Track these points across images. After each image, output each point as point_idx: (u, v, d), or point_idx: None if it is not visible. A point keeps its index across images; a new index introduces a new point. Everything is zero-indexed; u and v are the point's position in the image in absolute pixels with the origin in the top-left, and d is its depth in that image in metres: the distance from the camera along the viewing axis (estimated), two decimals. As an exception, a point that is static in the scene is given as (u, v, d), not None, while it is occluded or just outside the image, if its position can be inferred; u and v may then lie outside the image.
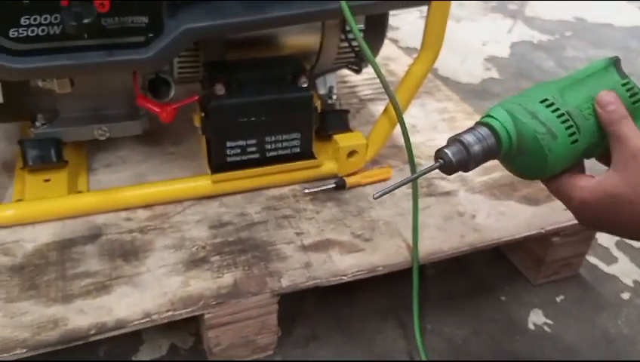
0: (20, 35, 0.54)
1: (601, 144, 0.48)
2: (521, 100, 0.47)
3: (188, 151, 0.82)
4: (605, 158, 0.48)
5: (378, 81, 0.67)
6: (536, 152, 0.46)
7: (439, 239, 0.71)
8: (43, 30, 0.55)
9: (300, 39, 0.77)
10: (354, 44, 0.80)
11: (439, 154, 0.46)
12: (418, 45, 0.74)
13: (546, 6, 1.87)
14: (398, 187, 0.46)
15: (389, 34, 1.54)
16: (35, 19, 0.54)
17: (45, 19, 0.54)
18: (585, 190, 0.46)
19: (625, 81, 0.49)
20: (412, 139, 0.71)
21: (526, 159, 0.47)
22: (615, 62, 0.50)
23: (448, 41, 0.74)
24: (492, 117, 0.46)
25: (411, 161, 0.70)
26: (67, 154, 0.74)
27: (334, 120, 0.82)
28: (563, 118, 0.46)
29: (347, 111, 0.85)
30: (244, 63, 0.72)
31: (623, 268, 0.86)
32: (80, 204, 0.69)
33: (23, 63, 0.55)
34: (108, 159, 0.80)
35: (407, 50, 1.35)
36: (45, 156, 0.70)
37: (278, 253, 0.67)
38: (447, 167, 0.46)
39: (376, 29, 0.80)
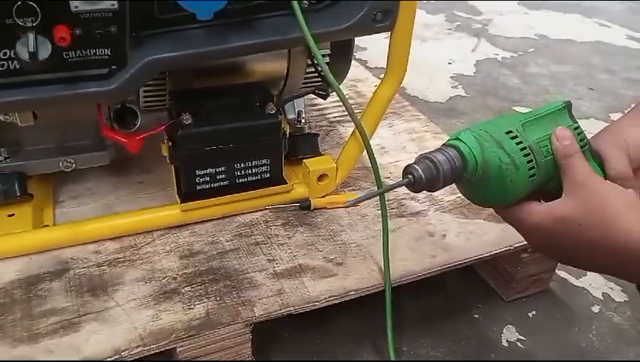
0: (-20, 70, 0.54)
1: (553, 182, 0.50)
2: (488, 128, 0.48)
3: (157, 179, 0.81)
4: (553, 197, 0.50)
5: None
6: (498, 181, 0.47)
7: (411, 260, 0.71)
8: (2, 65, 0.54)
9: (266, 65, 0.77)
10: (320, 69, 0.80)
11: (408, 170, 0.47)
12: (386, 65, 0.75)
13: (509, 24, 1.92)
14: (368, 198, 0.47)
15: (358, 54, 1.56)
16: (-7, 55, 0.54)
17: (4, 53, 0.54)
18: (536, 214, 0.49)
19: (576, 125, 0.52)
20: (381, 160, 0.72)
21: (487, 187, 0.48)
22: (568, 107, 0.53)
23: (415, 61, 0.76)
24: (461, 140, 0.47)
25: (378, 184, 0.70)
26: (32, 187, 0.73)
27: (304, 144, 0.83)
28: (525, 152, 0.47)
29: (316, 135, 0.85)
30: (211, 91, 0.72)
31: (591, 281, 0.88)
32: (46, 238, 0.68)
33: (-19, 99, 0.54)
34: (75, 191, 0.79)
35: (376, 70, 1.37)
36: (9, 191, 0.69)
37: (250, 282, 0.66)
38: (417, 183, 0.46)
39: (342, 54, 0.81)
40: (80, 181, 0.80)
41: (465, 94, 1.45)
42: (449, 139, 0.49)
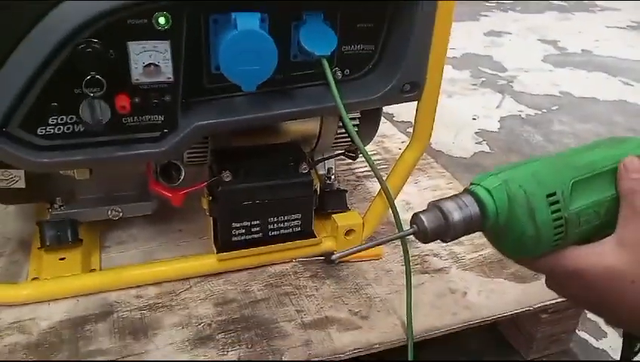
0: (47, 133, 0.60)
1: (577, 242, 0.46)
2: (530, 185, 0.43)
3: (195, 228, 0.87)
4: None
5: (376, 159, 0.73)
6: (514, 245, 0.45)
7: (433, 316, 0.75)
8: (68, 128, 0.61)
9: (300, 127, 0.83)
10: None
11: (414, 219, 0.43)
12: (412, 118, 0.79)
13: (534, 81, 1.97)
14: (360, 250, 0.44)
15: (384, 108, 1.62)
16: (61, 119, 0.60)
17: (71, 118, 0.61)
18: (580, 259, 0.43)
19: None
20: (405, 216, 0.75)
21: (503, 241, 0.46)
22: None
23: (440, 115, 0.79)
24: (489, 192, 0.43)
25: (405, 251, 0.74)
26: (82, 233, 0.79)
27: (333, 200, 0.88)
28: (558, 224, 0.43)
29: (345, 191, 0.90)
30: (249, 150, 0.78)
31: (612, 343, 0.89)
32: (93, 282, 0.73)
33: (48, 158, 0.60)
34: (119, 237, 0.85)
35: (402, 124, 1.43)
36: (62, 236, 0.75)
37: (279, 331, 0.70)
38: (422, 234, 0.43)
39: (371, 117, 0.87)
40: (124, 227, 0.86)
41: (489, 150, 1.49)
42: (475, 181, 0.45)
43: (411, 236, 0.44)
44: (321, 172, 0.92)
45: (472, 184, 0.46)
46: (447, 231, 0.43)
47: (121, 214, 0.79)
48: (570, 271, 0.44)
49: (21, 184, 0.70)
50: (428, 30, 0.70)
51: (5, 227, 0.85)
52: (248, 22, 0.61)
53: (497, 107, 1.76)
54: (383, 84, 0.73)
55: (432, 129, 0.79)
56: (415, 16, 0.69)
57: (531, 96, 1.86)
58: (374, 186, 1.03)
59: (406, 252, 0.73)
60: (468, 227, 0.43)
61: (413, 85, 0.74)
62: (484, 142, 1.53)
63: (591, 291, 0.43)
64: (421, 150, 0.80)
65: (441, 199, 0.44)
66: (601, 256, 0.42)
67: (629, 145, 0.49)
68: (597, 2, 3.15)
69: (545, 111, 1.76)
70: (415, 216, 0.43)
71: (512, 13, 2.91)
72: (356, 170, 1.09)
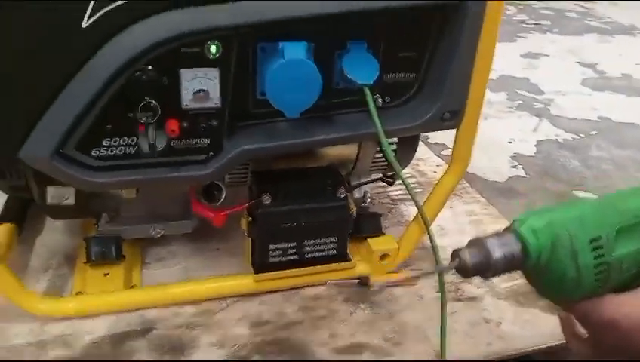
0: (101, 154, 0.63)
1: (617, 288, 0.46)
2: (574, 228, 0.43)
3: (232, 247, 0.88)
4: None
5: (410, 182, 0.73)
6: (554, 286, 0.46)
7: (466, 345, 0.74)
8: (120, 150, 0.63)
9: (339, 151, 0.84)
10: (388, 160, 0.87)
11: (456, 254, 0.44)
12: (447, 140, 0.80)
13: (572, 104, 1.95)
14: (400, 283, 0.44)
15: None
16: (115, 141, 0.63)
17: (124, 140, 0.63)
18: (616, 307, 0.42)
19: None
20: (440, 242, 0.76)
21: (542, 282, 0.47)
22: None
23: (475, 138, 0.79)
24: (534, 231, 0.43)
25: (441, 285, 0.74)
26: (124, 249, 0.81)
27: (368, 224, 0.88)
28: (600, 269, 0.44)
29: (380, 215, 0.91)
30: (288, 173, 0.80)
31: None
32: (134, 299, 0.76)
33: (101, 178, 0.63)
34: (159, 253, 0.87)
35: (437, 146, 1.43)
36: (107, 253, 0.77)
37: (313, 355, 0.71)
38: (463, 269, 0.43)
39: (409, 142, 0.87)
40: (164, 244, 0.88)
41: (524, 175, 1.48)
42: (521, 219, 0.45)
43: (445, 261, 0.44)
44: (357, 195, 0.93)
45: (515, 221, 0.46)
46: (487, 268, 0.44)
47: (162, 232, 0.81)
48: (605, 320, 0.44)
49: (71, 201, 0.73)
50: (469, 59, 0.71)
51: (52, 241, 0.88)
52: (295, 51, 0.63)
53: (534, 131, 1.75)
54: (424, 111, 0.74)
55: (470, 155, 0.79)
56: (457, 46, 0.70)
57: (569, 120, 1.84)
58: (409, 210, 1.04)
59: (442, 284, 0.73)
60: (509, 265, 0.44)
61: (454, 113, 0.75)
62: (520, 166, 1.52)
63: (624, 341, 0.43)
64: (459, 176, 0.81)
65: (484, 236, 0.45)
66: (637, 306, 0.42)
67: None
68: (637, 25, 3.10)
69: (582, 135, 1.73)
70: (457, 250, 0.44)
71: (550, 35, 2.88)
72: (391, 193, 1.10)
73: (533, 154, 1.60)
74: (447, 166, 0.81)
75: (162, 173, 0.65)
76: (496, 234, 0.45)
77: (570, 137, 1.72)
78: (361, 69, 0.68)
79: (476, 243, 0.44)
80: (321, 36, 0.66)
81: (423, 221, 0.76)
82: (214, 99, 0.63)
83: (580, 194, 1.38)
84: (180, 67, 0.61)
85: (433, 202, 0.81)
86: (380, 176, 0.85)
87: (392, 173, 0.89)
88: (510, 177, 1.46)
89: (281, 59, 0.62)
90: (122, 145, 0.63)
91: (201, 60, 0.61)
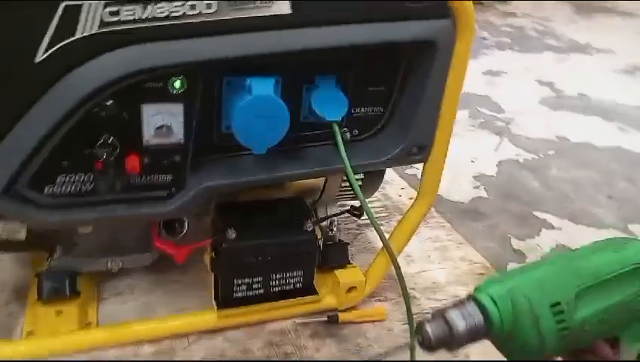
0: (55, 192, 0.59)
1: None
2: (533, 292, 0.44)
3: (193, 280, 0.85)
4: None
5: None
6: (520, 352, 0.45)
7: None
8: (76, 187, 0.60)
9: (306, 182, 0.83)
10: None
11: (419, 328, 0.44)
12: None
13: (531, 123, 1.99)
14: None
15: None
16: (70, 178, 0.59)
17: (80, 177, 0.60)
18: None
19: None
20: (406, 269, 0.76)
21: (511, 348, 0.47)
22: None
23: None
24: (492, 299, 0.44)
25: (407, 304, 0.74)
26: (79, 283, 0.77)
27: (335, 254, 0.87)
28: (563, 333, 0.44)
29: (347, 244, 0.90)
30: (253, 205, 0.78)
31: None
32: (89, 339, 0.72)
33: (54, 216, 0.60)
34: (117, 287, 0.83)
35: (402, 168, 1.43)
36: (60, 289, 0.73)
37: (279, 396, 0.69)
38: (427, 344, 0.43)
39: (376, 173, 0.87)
40: (122, 277, 0.85)
41: (487, 195, 1.50)
42: (479, 288, 0.46)
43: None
44: (323, 223, 0.92)
45: (476, 290, 0.46)
46: (452, 342, 0.44)
47: (120, 265, 0.77)
48: None
49: (22, 236, 0.69)
50: (439, 94, 0.71)
51: (1, 273, 0.83)
52: (263, 87, 0.61)
53: (495, 150, 1.77)
54: (392, 146, 0.73)
55: (437, 188, 0.79)
56: (427, 81, 0.69)
57: (528, 139, 1.87)
58: (375, 236, 1.03)
59: (410, 313, 0.72)
60: (473, 336, 0.44)
61: (421, 148, 0.74)
62: (482, 186, 1.54)
63: None
64: (426, 208, 0.80)
65: (446, 307, 0.45)
66: None
67: (631, 250, 0.49)
68: (592, 45, 3.21)
69: (542, 156, 1.77)
70: (420, 324, 0.44)
71: (510, 52, 2.94)
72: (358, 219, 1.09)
73: (495, 175, 1.62)
74: (414, 199, 0.80)
75: (120, 210, 0.62)
76: (458, 305, 0.45)
77: (530, 157, 1.75)
78: (329, 105, 0.67)
79: (438, 316, 0.44)
80: (289, 70, 0.64)
81: (389, 255, 0.75)
82: (177, 135, 0.61)
83: (541, 215, 1.40)
84: (142, 102, 0.58)
85: (400, 235, 0.80)
86: (348, 208, 0.84)
87: (359, 206, 0.88)
88: (473, 198, 1.48)
89: (249, 95, 0.60)
90: (78, 182, 0.60)
91: (165, 95, 0.58)
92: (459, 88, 0.71)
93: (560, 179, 1.63)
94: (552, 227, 1.34)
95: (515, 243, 1.24)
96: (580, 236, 1.31)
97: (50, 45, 0.51)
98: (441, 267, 0.97)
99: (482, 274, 0.96)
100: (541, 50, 3.03)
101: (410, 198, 1.23)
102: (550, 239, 1.28)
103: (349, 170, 0.67)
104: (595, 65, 2.86)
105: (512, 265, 1.15)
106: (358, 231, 1.05)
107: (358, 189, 0.69)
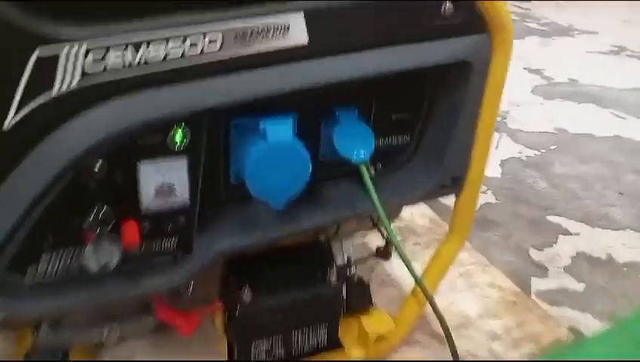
0: (39, 273, 0.49)
1: None
2: None
3: (202, 337, 0.75)
4: None
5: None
6: None
7: None
8: (64, 265, 0.50)
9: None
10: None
11: None
12: None
13: (527, 116, 1.93)
14: None
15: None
16: (56, 255, 0.49)
17: (68, 253, 0.50)
18: None
19: None
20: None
21: None
22: None
23: None
24: None
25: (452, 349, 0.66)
26: (72, 353, 0.67)
27: (357, 297, 0.77)
28: None
29: (368, 285, 0.81)
30: (268, 257, 0.68)
31: None
32: None
33: (39, 304, 0.50)
34: (117, 352, 0.73)
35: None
36: (51, 372, 0.63)
37: None
38: None
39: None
40: (120, 342, 0.75)
41: (495, 200, 1.42)
42: None
43: None
44: (340, 262, 0.82)
45: None
46: None
47: (118, 334, 0.67)
48: None
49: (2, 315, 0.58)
50: (473, 120, 0.62)
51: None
52: (280, 131, 0.52)
53: (495, 147, 1.70)
54: (422, 179, 0.64)
55: (471, 225, 0.71)
56: (461, 106, 0.60)
57: (527, 133, 1.81)
58: (393, 267, 0.94)
59: None
60: None
61: (455, 179, 0.66)
62: (489, 191, 1.46)
63: None
64: (460, 245, 0.72)
65: None
66: None
67: None
68: (575, 26, 3.16)
69: (544, 151, 1.70)
70: None
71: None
72: (371, 245, 1.00)
73: (500, 176, 1.54)
74: (446, 235, 0.71)
75: (117, 289, 0.52)
76: None
77: (532, 154, 1.68)
78: (354, 141, 0.57)
79: None
80: (305, 104, 0.55)
81: (425, 294, 0.67)
82: (182, 194, 0.51)
83: (554, 219, 1.34)
84: (138, 161, 0.48)
85: (433, 275, 0.72)
86: (375, 250, 0.75)
87: (384, 245, 0.79)
88: (481, 205, 1.40)
89: (263, 142, 0.51)
90: (66, 259, 0.50)
91: (164, 150, 0.48)
92: (495, 112, 0.63)
93: (566, 177, 1.56)
94: (568, 232, 1.27)
95: (534, 254, 1.17)
96: (598, 241, 1.24)
97: (20, 106, 0.41)
98: (468, 297, 0.89)
99: (514, 302, 0.88)
100: (523, 36, 2.97)
101: (422, 217, 1.14)
102: (569, 247, 1.21)
103: (384, 216, 0.58)
104: (580, 48, 2.81)
105: (535, 281, 1.07)
106: (374, 262, 0.96)
107: (396, 241, 0.61)
